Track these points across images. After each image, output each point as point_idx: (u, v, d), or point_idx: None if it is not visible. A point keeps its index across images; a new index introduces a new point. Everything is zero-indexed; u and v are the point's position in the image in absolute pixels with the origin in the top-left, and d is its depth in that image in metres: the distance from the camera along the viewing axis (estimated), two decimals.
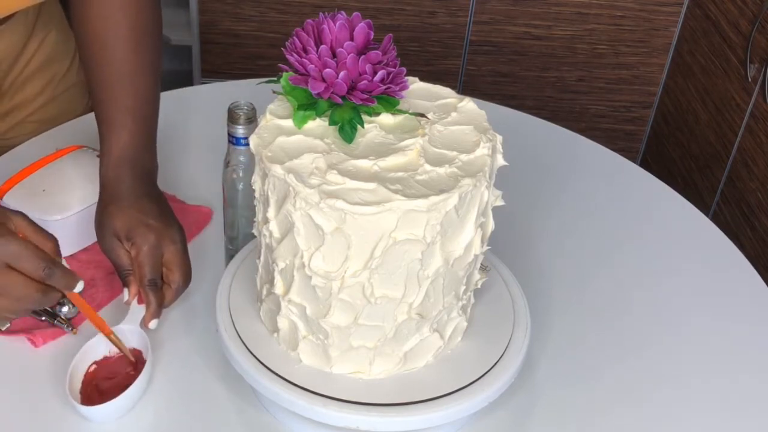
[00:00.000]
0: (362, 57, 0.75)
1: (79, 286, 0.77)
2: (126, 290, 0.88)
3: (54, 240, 0.77)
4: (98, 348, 0.85)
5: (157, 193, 0.94)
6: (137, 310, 0.88)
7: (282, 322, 0.79)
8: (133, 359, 0.84)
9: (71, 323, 0.91)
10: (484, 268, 0.88)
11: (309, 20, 0.77)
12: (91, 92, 0.99)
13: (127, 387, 0.81)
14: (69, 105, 1.25)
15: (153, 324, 0.87)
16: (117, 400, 0.80)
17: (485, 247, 0.79)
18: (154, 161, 0.97)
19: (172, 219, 0.90)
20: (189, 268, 0.90)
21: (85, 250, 1.01)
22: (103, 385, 0.83)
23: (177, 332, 0.92)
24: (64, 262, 0.77)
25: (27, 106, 1.20)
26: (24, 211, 0.95)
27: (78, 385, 0.83)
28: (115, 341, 0.84)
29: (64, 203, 0.98)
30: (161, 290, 0.88)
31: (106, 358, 0.85)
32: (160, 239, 0.87)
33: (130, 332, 0.86)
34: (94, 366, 0.84)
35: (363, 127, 0.77)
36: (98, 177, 0.94)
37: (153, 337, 0.90)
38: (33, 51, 1.17)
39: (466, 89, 2.29)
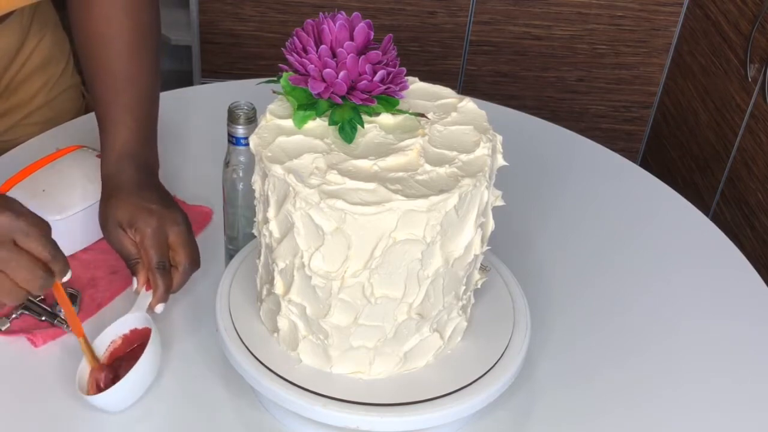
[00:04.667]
0: (362, 57, 0.75)
1: (68, 275, 0.77)
2: (135, 279, 0.88)
3: (49, 226, 0.76)
4: (103, 342, 0.85)
5: (159, 184, 0.94)
6: (144, 298, 0.88)
7: (282, 322, 0.79)
8: (98, 363, 0.83)
9: None
10: (484, 268, 0.88)
11: (309, 20, 0.77)
12: (91, 91, 0.99)
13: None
14: (64, 107, 1.25)
15: (159, 308, 0.87)
16: (124, 381, 0.80)
17: (485, 247, 0.79)
18: (156, 157, 0.97)
19: (173, 203, 0.90)
20: (196, 250, 0.89)
21: (85, 249, 1.01)
22: (110, 375, 0.84)
23: (177, 332, 0.92)
24: None
25: (22, 108, 1.20)
26: None
27: (87, 379, 0.83)
28: (84, 346, 0.83)
29: (64, 203, 0.98)
30: (169, 273, 0.87)
31: (113, 351, 0.85)
32: (163, 222, 0.87)
33: (138, 319, 0.86)
34: (99, 363, 0.84)
35: (363, 127, 0.77)
36: (98, 177, 0.94)
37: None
38: (29, 53, 1.17)
39: (466, 89, 2.29)
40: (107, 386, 0.82)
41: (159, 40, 1.02)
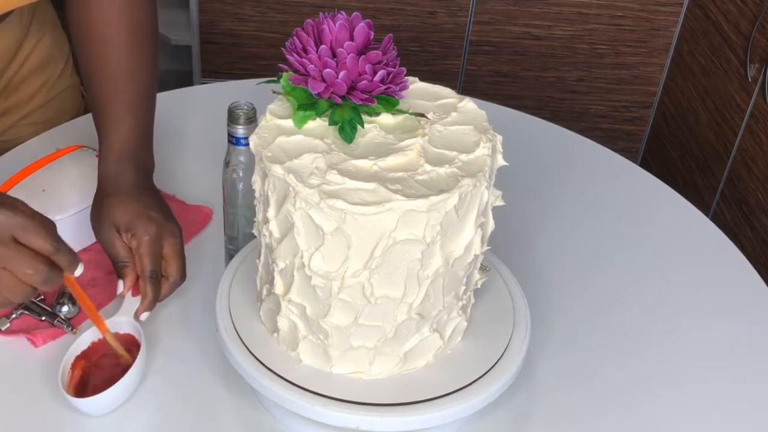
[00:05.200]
0: (362, 57, 0.75)
1: (79, 269, 0.76)
2: (121, 282, 0.88)
3: (53, 224, 0.75)
4: (85, 340, 0.85)
5: (155, 188, 0.95)
6: (131, 302, 0.88)
7: (282, 322, 0.79)
8: (126, 355, 0.84)
9: (71, 323, 0.91)
10: (484, 268, 0.88)
11: (309, 20, 0.77)
12: (89, 90, 0.99)
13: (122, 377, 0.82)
14: (62, 107, 1.25)
15: (144, 316, 0.87)
16: (113, 389, 0.81)
17: (485, 247, 0.79)
18: (151, 157, 0.98)
19: (170, 214, 0.91)
20: (185, 263, 0.90)
21: (85, 250, 1.01)
22: (98, 377, 0.84)
23: (177, 332, 0.92)
24: None
25: (21, 108, 1.20)
26: None
27: (69, 379, 0.83)
28: (110, 340, 0.84)
29: (64, 203, 0.98)
30: (160, 283, 0.88)
31: (95, 348, 0.85)
32: (161, 231, 0.88)
33: (124, 324, 0.86)
34: (83, 360, 0.84)
35: (363, 127, 0.77)
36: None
37: (152, 337, 0.90)
38: (27, 53, 1.17)
39: (466, 89, 2.29)
40: (85, 384, 0.82)
41: (156, 39, 1.02)
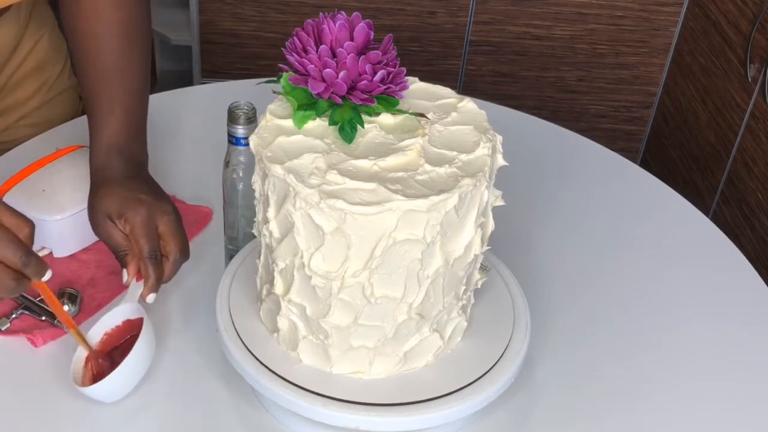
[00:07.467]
0: (362, 57, 0.75)
1: (48, 275, 0.77)
2: (125, 271, 0.87)
3: (31, 225, 0.76)
4: (96, 334, 0.85)
5: (148, 176, 0.93)
6: (136, 288, 0.87)
7: (282, 322, 0.79)
8: (92, 350, 0.84)
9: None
10: (484, 268, 0.88)
11: (309, 20, 0.77)
12: (81, 85, 0.99)
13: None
14: (60, 109, 1.25)
15: (150, 298, 0.86)
16: (117, 372, 0.80)
17: (485, 247, 0.79)
18: (144, 150, 0.97)
19: (162, 194, 0.90)
20: (185, 240, 0.88)
21: (85, 250, 1.01)
22: (105, 366, 0.84)
23: (177, 332, 0.92)
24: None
25: (18, 109, 1.20)
26: (23, 212, 0.94)
27: (81, 371, 0.83)
28: (77, 336, 0.83)
29: (64, 203, 0.98)
30: (161, 263, 0.87)
31: (106, 342, 0.85)
32: (152, 211, 0.86)
33: (129, 310, 0.86)
34: (93, 350, 0.84)
35: (363, 127, 0.77)
36: None
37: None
38: (25, 54, 1.17)
39: (466, 89, 2.29)
40: (102, 376, 0.82)
41: (149, 34, 1.02)
